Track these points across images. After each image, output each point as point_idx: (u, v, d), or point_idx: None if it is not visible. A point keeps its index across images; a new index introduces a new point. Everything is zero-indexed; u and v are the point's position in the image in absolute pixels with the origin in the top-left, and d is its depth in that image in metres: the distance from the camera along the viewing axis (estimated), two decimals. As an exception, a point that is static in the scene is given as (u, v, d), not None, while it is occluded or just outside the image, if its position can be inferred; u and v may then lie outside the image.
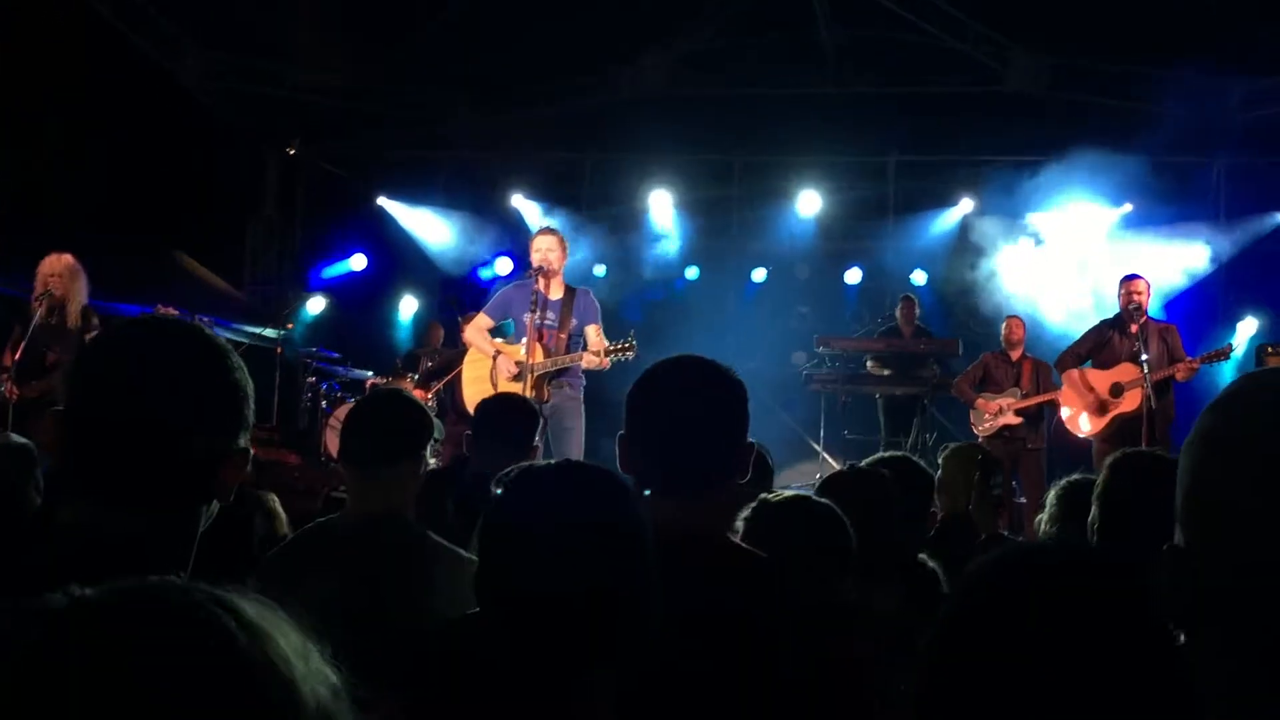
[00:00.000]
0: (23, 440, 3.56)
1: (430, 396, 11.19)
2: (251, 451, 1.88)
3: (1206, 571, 1.18)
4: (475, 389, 8.15)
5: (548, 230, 8.47)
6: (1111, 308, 9.73)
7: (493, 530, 2.12)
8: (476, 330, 8.51)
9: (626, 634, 2.01)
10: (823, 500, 3.15)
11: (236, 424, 1.85)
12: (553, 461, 2.22)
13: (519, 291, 8.28)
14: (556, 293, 8.18)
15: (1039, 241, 13.77)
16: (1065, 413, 9.73)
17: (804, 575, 2.62)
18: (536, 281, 8.03)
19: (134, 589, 0.89)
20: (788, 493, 3.23)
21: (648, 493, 2.42)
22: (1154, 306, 9.87)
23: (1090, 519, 3.24)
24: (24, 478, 3.40)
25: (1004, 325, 10.93)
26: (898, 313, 12.38)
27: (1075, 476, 3.98)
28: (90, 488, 1.77)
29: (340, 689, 0.94)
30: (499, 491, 2.15)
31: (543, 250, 8.14)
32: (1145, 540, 1.32)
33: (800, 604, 2.37)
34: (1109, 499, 3.16)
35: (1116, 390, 9.28)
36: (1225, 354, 9.31)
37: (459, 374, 9.19)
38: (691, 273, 15.19)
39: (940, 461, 5.17)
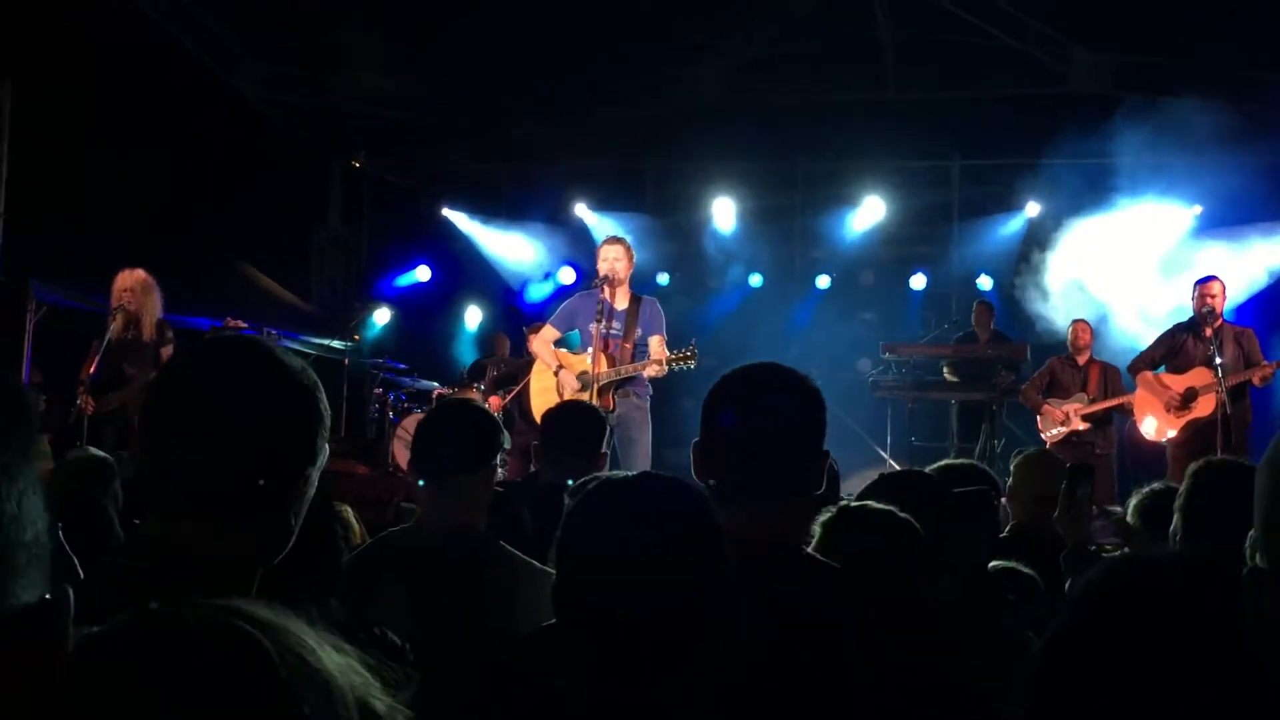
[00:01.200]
0: (100, 453, 3.61)
1: (504, 404, 11.25)
2: (334, 470, 1.91)
3: None
4: (543, 399, 8.18)
5: (614, 239, 8.46)
6: (1185, 311, 9.57)
7: (571, 542, 2.12)
8: (542, 342, 8.54)
9: (706, 644, 2.00)
10: (886, 507, 3.12)
11: (314, 440, 1.88)
12: (629, 473, 2.22)
13: (585, 301, 8.29)
14: (622, 302, 8.19)
15: (1107, 245, 13.59)
16: (1140, 417, 9.59)
17: (879, 582, 2.60)
18: (602, 291, 8.04)
19: (165, 616, 0.88)
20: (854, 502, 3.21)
21: (733, 499, 2.40)
22: (1228, 309, 9.69)
23: (1172, 528, 3.19)
24: (102, 490, 3.44)
25: (1070, 329, 10.82)
26: (973, 318, 12.29)
27: (1156, 486, 3.92)
28: (172, 500, 1.80)
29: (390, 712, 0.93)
30: (575, 503, 2.15)
31: (609, 260, 8.15)
32: (1232, 550, 1.30)
33: (877, 610, 2.34)
34: (1192, 508, 3.11)
35: (1191, 395, 9.14)
36: (1305, 358, 9.16)
37: (527, 384, 9.23)
38: (755, 280, 15.16)
39: (1011, 468, 5.12)
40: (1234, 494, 1.88)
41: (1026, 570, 3.62)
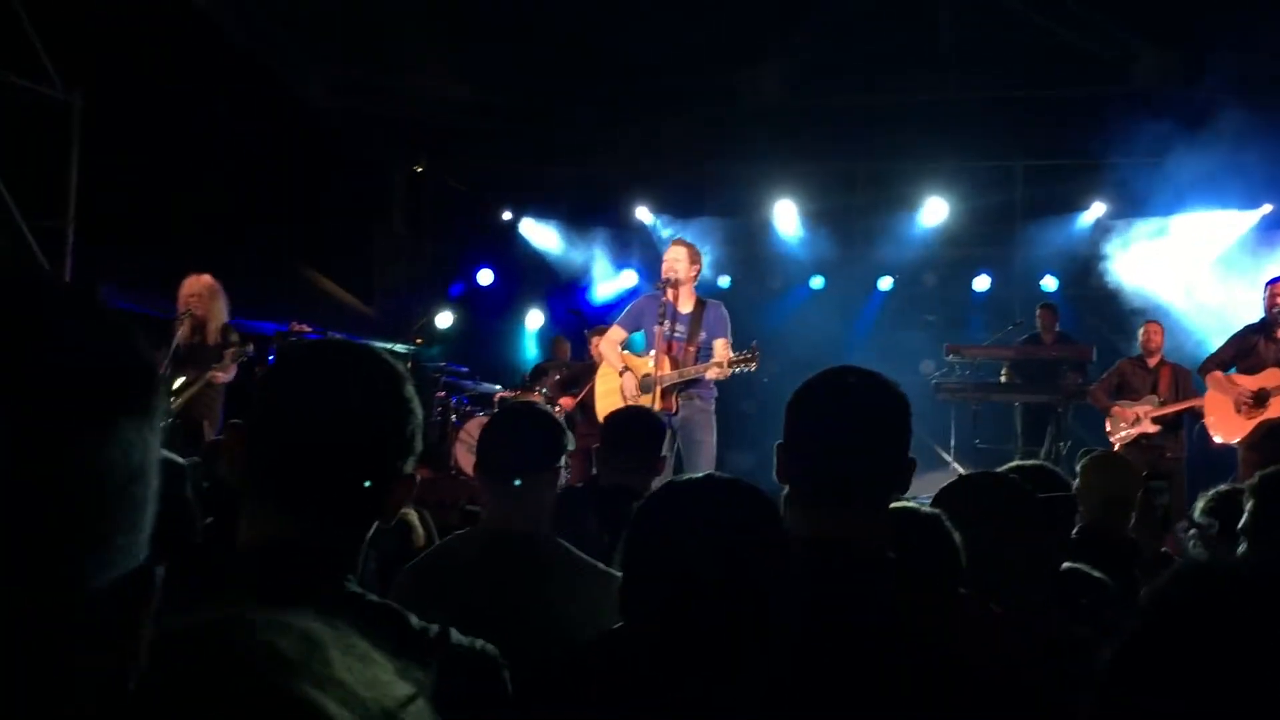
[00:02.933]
0: (174, 456, 3.64)
1: (574, 405, 11.29)
2: (416, 478, 1.92)
3: None
4: (607, 401, 8.22)
5: (678, 242, 8.47)
6: (1255, 313, 9.43)
7: (638, 546, 2.12)
8: (609, 343, 8.57)
9: (772, 646, 1.99)
10: (926, 509, 3.10)
11: (409, 448, 1.90)
12: (695, 475, 2.21)
13: (649, 303, 8.32)
14: (686, 305, 8.20)
15: (1174, 246, 13.43)
16: (1209, 419, 9.45)
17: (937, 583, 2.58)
18: (665, 293, 8.05)
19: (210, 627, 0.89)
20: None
21: (815, 503, 2.39)
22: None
23: (1241, 525, 3.15)
24: (181, 492, 3.46)
25: (1141, 331, 10.69)
26: (1037, 320, 12.17)
27: (1223, 488, 3.88)
28: (270, 503, 1.81)
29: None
30: (642, 505, 2.15)
31: (670, 261, 8.19)
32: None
33: (952, 614, 2.32)
34: (1259, 514, 3.07)
35: (1263, 396, 9.00)
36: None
37: (592, 387, 9.25)
38: (817, 282, 15.11)
39: (1078, 470, 5.06)
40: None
41: (1097, 574, 3.58)
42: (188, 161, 11.01)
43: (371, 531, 1.89)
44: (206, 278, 8.88)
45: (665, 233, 14.87)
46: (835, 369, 2.56)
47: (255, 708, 0.82)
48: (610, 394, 8.35)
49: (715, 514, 2.06)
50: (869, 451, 2.43)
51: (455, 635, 1.85)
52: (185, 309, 8.71)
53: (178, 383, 8.68)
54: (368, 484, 1.83)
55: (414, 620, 1.83)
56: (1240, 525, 3.15)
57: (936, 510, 2.93)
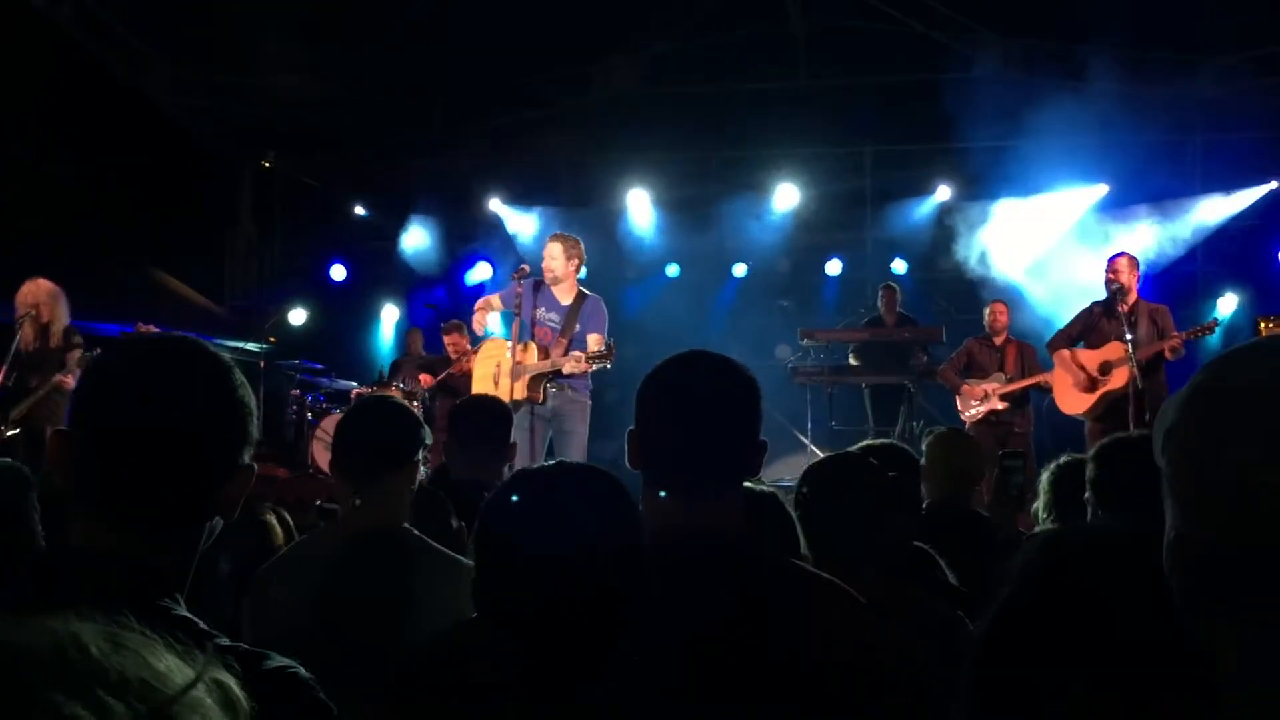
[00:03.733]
0: (15, 463, 3.52)
1: (423, 392, 11.27)
2: (255, 467, 1.87)
3: (1212, 560, 1.16)
4: (482, 387, 8.18)
5: (555, 236, 8.55)
6: (1098, 289, 9.72)
7: (487, 536, 2.11)
8: (486, 308, 8.62)
9: (625, 636, 1.99)
10: (760, 487, 3.16)
11: (241, 440, 1.83)
12: (546, 464, 2.21)
13: (533, 288, 8.37)
14: (565, 297, 8.26)
15: (1018, 225, 13.79)
16: (1056, 392, 9.71)
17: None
18: (519, 283, 8.14)
19: None
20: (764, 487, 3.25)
21: (663, 494, 2.39)
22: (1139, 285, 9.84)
23: (1086, 502, 3.24)
24: (23, 501, 3.36)
25: (987, 310, 10.95)
26: (879, 302, 12.36)
27: (1062, 459, 3.99)
28: (98, 507, 1.75)
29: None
30: (493, 495, 2.14)
31: (546, 258, 8.30)
32: (1144, 522, 1.31)
33: (810, 600, 2.33)
34: (1100, 486, 3.17)
35: (1105, 368, 9.27)
36: (1210, 328, 9.30)
37: (458, 377, 9.20)
38: (672, 270, 15.18)
39: (924, 448, 5.18)
40: (1138, 468, 1.90)
41: (928, 550, 3.67)
42: (28, 162, 10.68)
43: (210, 532, 1.83)
44: (45, 281, 8.64)
45: (519, 225, 14.86)
46: (683, 354, 2.53)
47: None
48: (485, 379, 8.34)
49: (565, 501, 2.05)
50: (718, 436, 2.40)
51: (273, 659, 1.75)
52: (24, 313, 8.45)
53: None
54: (188, 479, 1.77)
55: (220, 637, 1.75)
56: (1085, 495, 3.25)
57: (771, 489, 2.98)
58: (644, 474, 2.43)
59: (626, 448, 2.46)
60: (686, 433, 2.40)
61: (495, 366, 8.34)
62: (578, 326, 8.14)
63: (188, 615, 1.72)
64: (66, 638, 0.83)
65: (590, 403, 8.16)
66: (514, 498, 2.09)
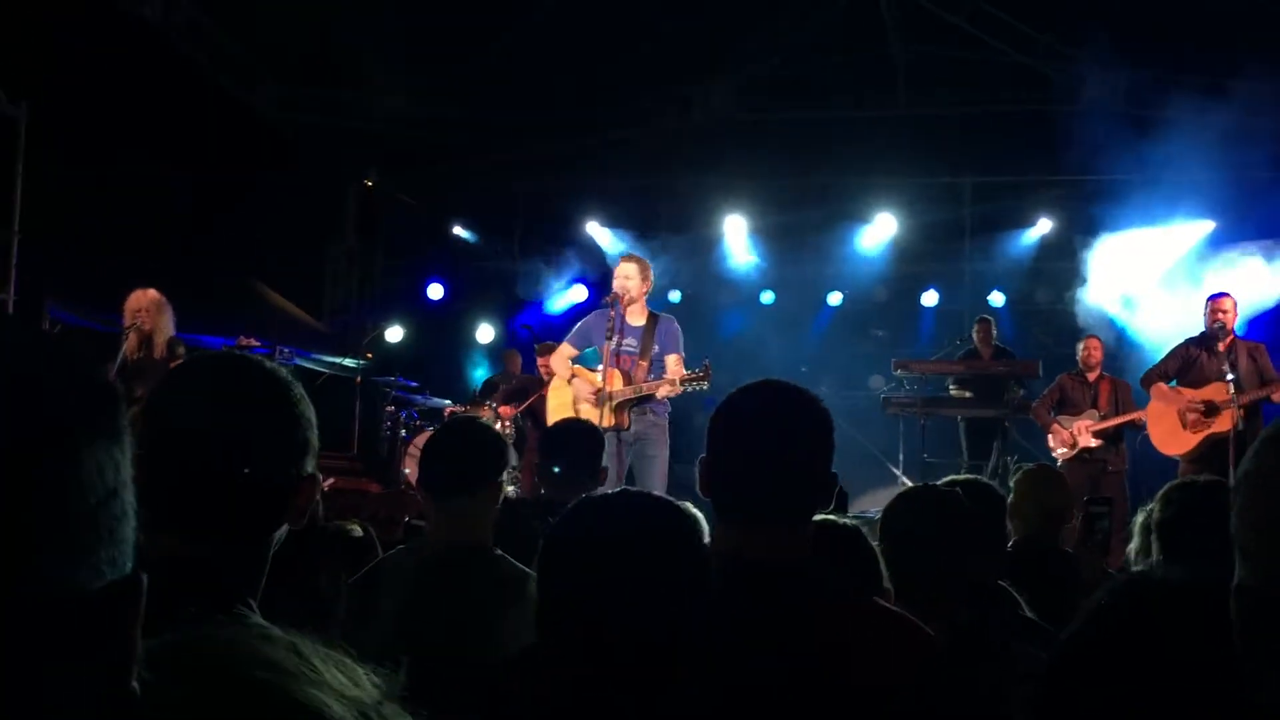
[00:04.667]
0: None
1: (511, 417, 11.31)
2: (320, 477, 1.92)
3: (1267, 612, 1.15)
4: (559, 415, 8.16)
5: (628, 257, 8.49)
6: (1197, 327, 9.54)
7: (548, 561, 2.12)
8: (560, 359, 8.56)
9: (684, 665, 1.99)
10: (844, 521, 3.14)
11: (302, 451, 1.89)
12: (609, 491, 2.22)
13: (599, 318, 8.30)
14: (638, 319, 8.20)
15: (1121, 260, 13.58)
16: (1153, 431, 9.53)
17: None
18: (611, 309, 8.08)
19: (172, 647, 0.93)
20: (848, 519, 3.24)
21: (734, 518, 2.39)
22: (1239, 325, 9.64)
23: (1150, 548, 3.20)
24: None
25: (1081, 345, 10.76)
26: (974, 334, 12.24)
27: (1153, 505, 3.92)
28: (164, 519, 1.81)
29: None
30: (556, 523, 2.15)
31: (620, 277, 8.19)
32: (1208, 568, 1.31)
33: (876, 631, 2.33)
34: (1164, 529, 3.12)
35: (1210, 410, 9.05)
36: (1318, 371, 9.12)
37: (541, 397, 9.22)
38: (767, 297, 15.16)
39: (1012, 484, 5.12)
40: (1208, 513, 1.87)
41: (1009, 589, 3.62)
42: (135, 175, 10.93)
43: (278, 539, 1.89)
44: (152, 291, 8.82)
45: (619, 247, 14.91)
46: (755, 383, 2.55)
47: (270, 715, 0.85)
48: (562, 408, 8.30)
49: (627, 530, 2.06)
50: (789, 467, 2.41)
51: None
52: (131, 323, 8.65)
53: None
54: (250, 490, 1.82)
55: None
56: (1148, 547, 3.21)
57: (855, 523, 2.97)
58: (713, 502, 2.45)
59: (697, 475, 2.48)
60: (753, 463, 2.42)
61: (570, 395, 8.33)
62: (655, 348, 8.11)
63: (263, 623, 1.77)
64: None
65: (668, 425, 8.13)
66: (576, 525, 2.10)
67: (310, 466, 1.91)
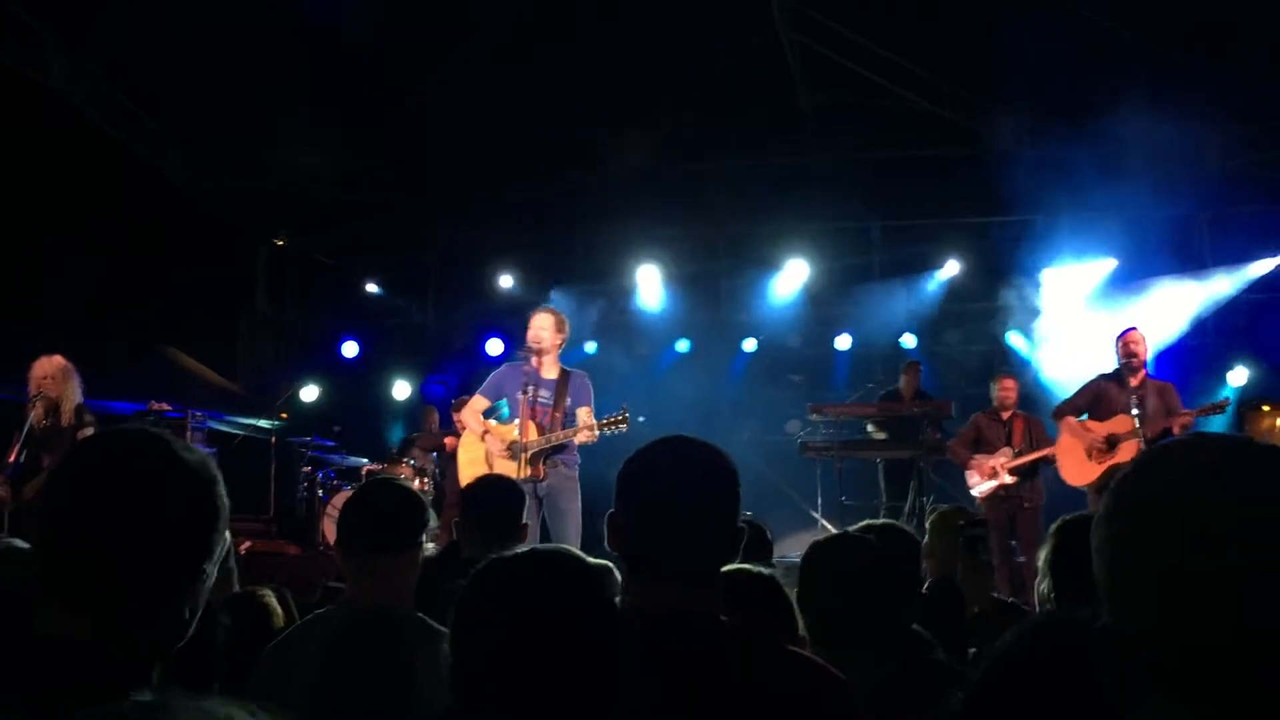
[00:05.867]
0: (24, 545, 3.55)
1: (430, 474, 11.25)
2: (212, 579, 1.89)
3: (1137, 651, 1.18)
4: (472, 470, 8.07)
5: (545, 310, 8.45)
6: (1107, 363, 9.71)
7: (461, 625, 2.11)
8: (471, 412, 8.47)
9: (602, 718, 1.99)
10: (757, 569, 3.16)
11: (210, 536, 1.87)
12: (517, 550, 2.20)
13: (512, 371, 8.30)
14: (551, 372, 8.19)
15: (1027, 299, 13.82)
16: (1061, 463, 9.67)
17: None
18: (530, 361, 8.08)
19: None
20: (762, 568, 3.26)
21: (644, 572, 2.41)
22: (1149, 361, 9.82)
23: (1044, 586, 3.24)
24: (28, 584, 3.37)
25: (995, 385, 10.88)
26: (901, 377, 12.37)
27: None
28: (63, 597, 1.79)
29: None
30: (466, 584, 2.14)
31: (536, 329, 8.18)
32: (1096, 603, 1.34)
33: (785, 678, 2.34)
34: (1057, 566, 3.17)
35: (1112, 441, 9.23)
36: (1221, 407, 9.32)
37: (454, 458, 9.17)
38: (682, 345, 15.23)
39: (928, 526, 5.17)
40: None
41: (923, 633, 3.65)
42: (42, 240, 10.79)
43: (181, 626, 1.86)
44: (58, 358, 8.68)
45: (529, 301, 14.90)
46: (663, 439, 2.56)
47: None
48: (474, 463, 8.24)
49: (535, 589, 2.06)
50: (697, 521, 2.43)
51: None
52: (37, 390, 8.51)
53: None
54: (157, 580, 1.81)
55: None
56: (1044, 585, 3.25)
57: (770, 571, 2.98)
58: (622, 556, 2.46)
59: (606, 530, 2.49)
60: (663, 517, 2.43)
61: (482, 450, 8.28)
62: (568, 400, 8.11)
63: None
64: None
65: (578, 477, 8.12)
66: (485, 585, 2.10)
67: (217, 553, 1.88)
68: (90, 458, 1.90)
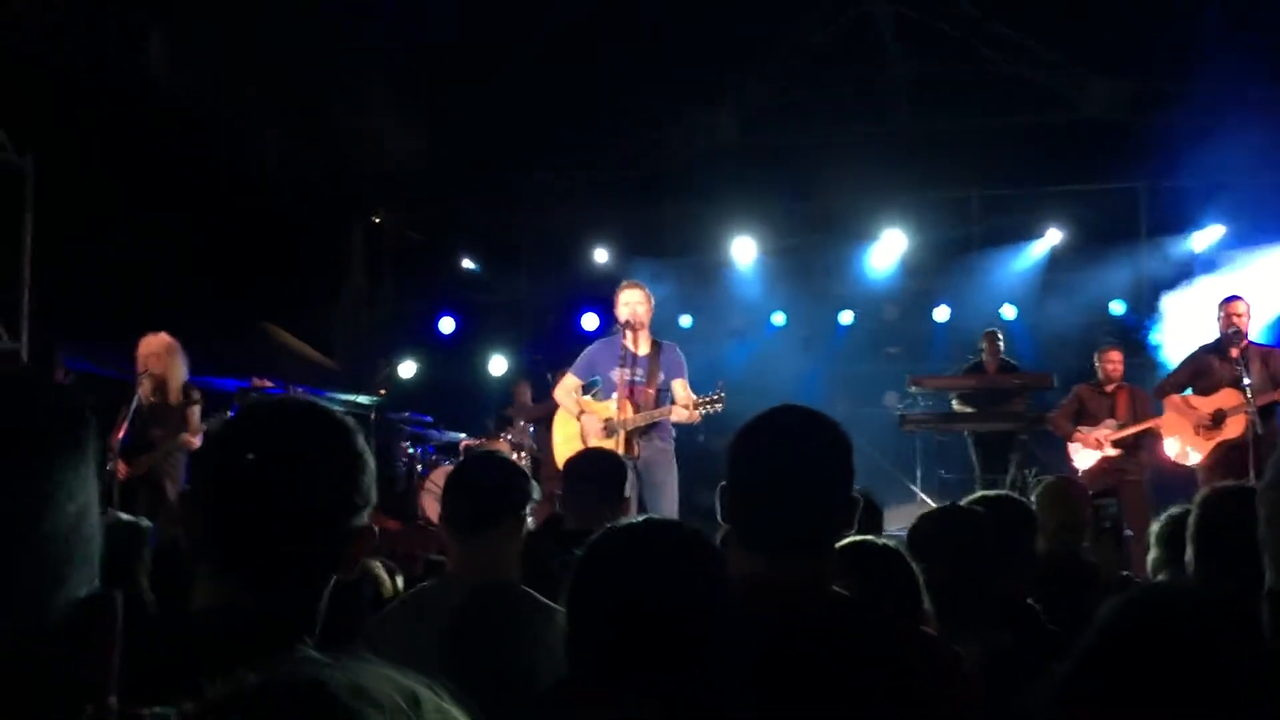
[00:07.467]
0: (132, 518, 3.62)
1: (524, 458, 11.29)
2: (375, 529, 1.90)
3: None
4: (567, 448, 8.05)
5: (632, 284, 8.34)
6: (1210, 333, 9.47)
7: (578, 594, 2.11)
8: (565, 391, 8.43)
9: (705, 692, 1.98)
10: (882, 542, 3.11)
11: (362, 501, 1.87)
12: (634, 520, 2.21)
13: (605, 348, 8.24)
14: (643, 348, 8.12)
15: (1131, 268, 13.57)
16: (1168, 441, 9.48)
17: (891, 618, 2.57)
18: (624, 336, 8.03)
19: (274, 685, 0.91)
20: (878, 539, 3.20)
21: (757, 544, 2.38)
22: (1256, 330, 9.56)
23: (1186, 558, 3.16)
24: (135, 556, 3.44)
25: (1098, 355, 10.66)
26: (982, 348, 12.18)
27: (1174, 511, 3.88)
28: (224, 569, 1.80)
29: None
30: (581, 555, 2.15)
31: (629, 304, 8.09)
32: (1243, 575, 1.30)
33: (895, 650, 2.31)
34: (1202, 536, 3.09)
35: (1219, 417, 9.03)
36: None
37: (552, 433, 9.19)
38: (779, 319, 15.13)
39: (1034, 499, 5.09)
40: (1242, 520, 1.86)
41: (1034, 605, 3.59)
42: (144, 221, 10.97)
43: (329, 587, 1.87)
44: (164, 336, 8.85)
45: (625, 275, 14.88)
46: (774, 409, 2.53)
47: None
48: (570, 440, 8.22)
49: (652, 559, 2.06)
50: (809, 493, 2.40)
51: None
52: (144, 368, 8.68)
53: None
54: (312, 541, 1.81)
55: None
56: (1186, 556, 3.17)
57: (893, 544, 2.94)
58: (735, 529, 2.43)
59: (718, 503, 2.46)
60: (776, 489, 2.41)
61: (576, 428, 8.25)
62: (661, 375, 8.04)
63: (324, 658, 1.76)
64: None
65: (674, 450, 8.06)
66: (602, 556, 2.10)
67: (366, 519, 1.89)
68: (244, 427, 1.91)
